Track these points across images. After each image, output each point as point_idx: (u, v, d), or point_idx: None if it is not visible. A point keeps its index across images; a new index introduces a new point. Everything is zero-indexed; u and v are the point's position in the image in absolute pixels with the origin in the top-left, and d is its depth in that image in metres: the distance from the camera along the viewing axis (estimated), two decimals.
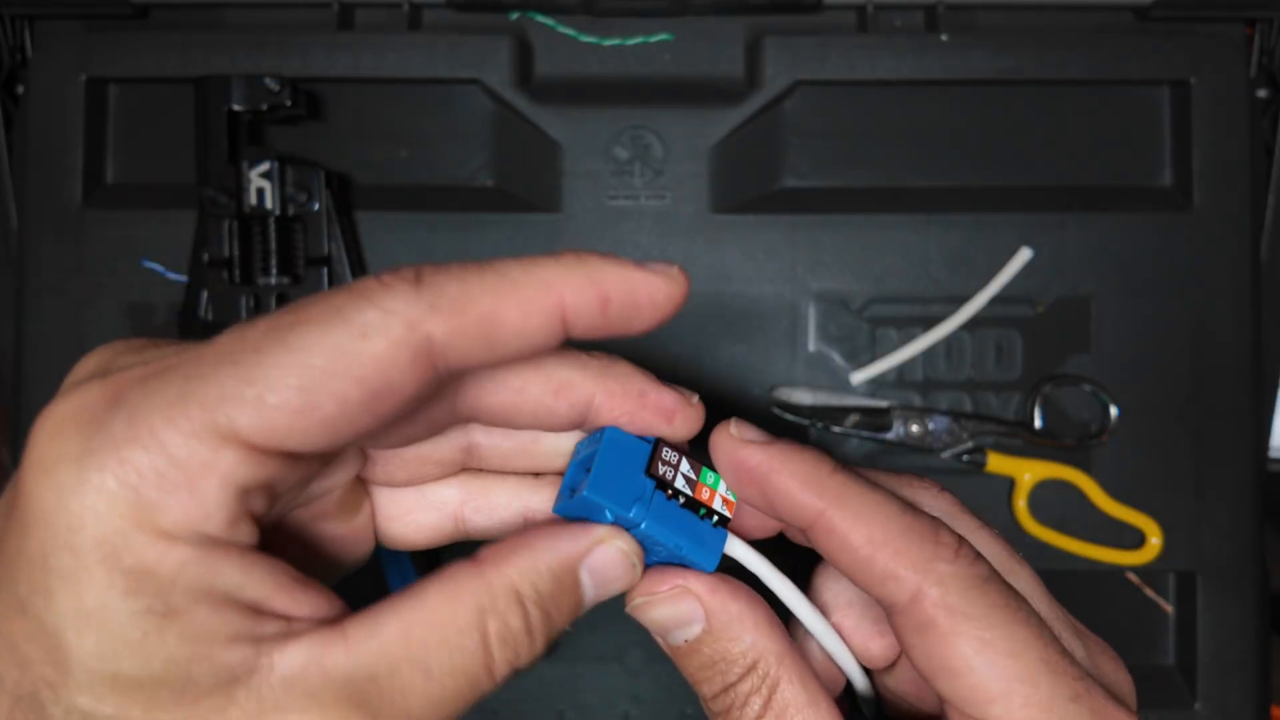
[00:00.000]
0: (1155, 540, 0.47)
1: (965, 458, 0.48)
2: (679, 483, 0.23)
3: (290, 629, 0.18)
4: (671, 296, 0.21)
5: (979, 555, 0.22)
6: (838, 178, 0.50)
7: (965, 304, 0.48)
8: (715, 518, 0.23)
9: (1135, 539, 0.48)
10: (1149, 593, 0.49)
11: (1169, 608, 0.49)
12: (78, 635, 0.17)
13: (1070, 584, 0.49)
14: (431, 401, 0.21)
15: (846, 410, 0.48)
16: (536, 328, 0.19)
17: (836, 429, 0.48)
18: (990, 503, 0.49)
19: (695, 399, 0.24)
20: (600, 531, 0.22)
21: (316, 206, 0.46)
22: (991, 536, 0.24)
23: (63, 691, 0.17)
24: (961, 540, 0.22)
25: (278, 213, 0.46)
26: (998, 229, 0.48)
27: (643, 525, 0.22)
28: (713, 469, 0.24)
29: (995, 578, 0.22)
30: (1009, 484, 0.48)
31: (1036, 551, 0.48)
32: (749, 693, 0.23)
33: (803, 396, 0.48)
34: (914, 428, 0.48)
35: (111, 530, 0.17)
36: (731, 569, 0.24)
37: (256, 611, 0.18)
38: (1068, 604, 0.49)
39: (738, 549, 0.24)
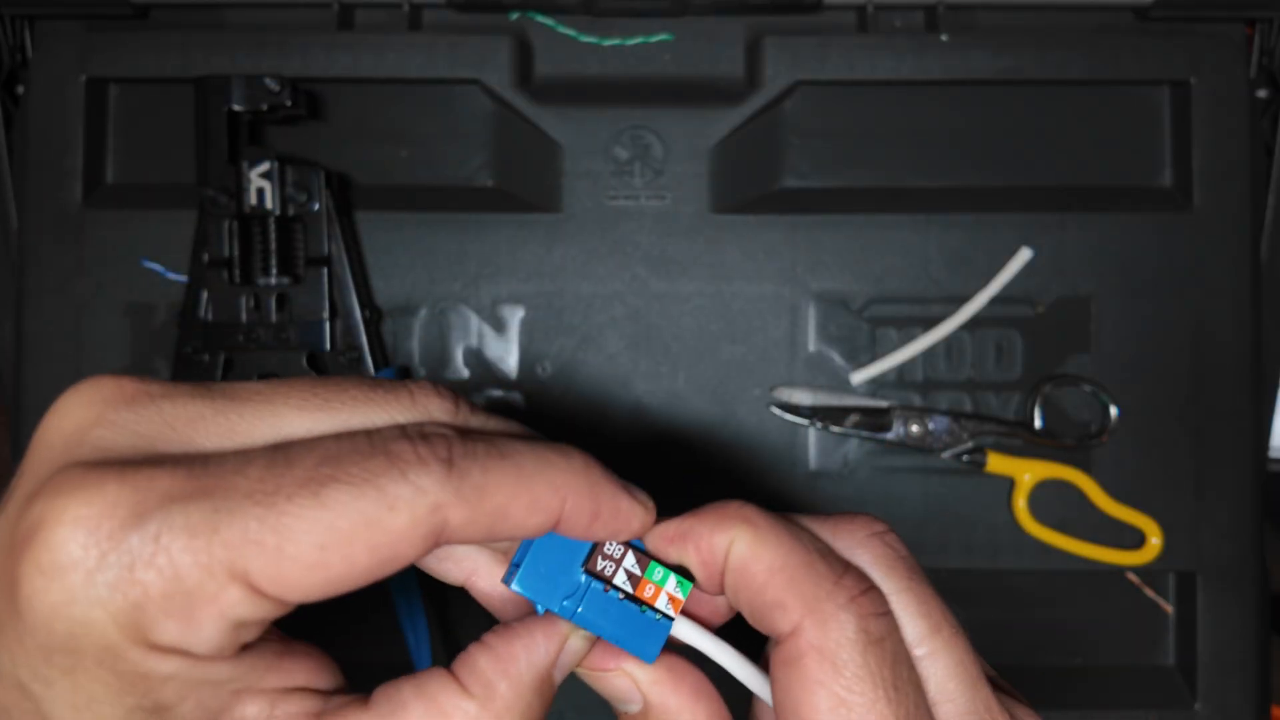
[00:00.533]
0: (1155, 540, 0.47)
1: (965, 458, 0.48)
2: (619, 579, 0.23)
3: (274, 710, 0.20)
4: (640, 530, 0.23)
5: (883, 612, 0.21)
6: (838, 178, 0.50)
7: (965, 304, 0.48)
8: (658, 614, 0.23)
9: (1135, 539, 0.48)
10: (1149, 593, 0.49)
11: (1169, 608, 0.49)
12: None
13: (1070, 584, 0.49)
14: None
15: (846, 410, 0.48)
16: (535, 524, 0.21)
17: (836, 429, 0.48)
18: (990, 503, 0.49)
19: (648, 506, 0.23)
20: (562, 628, 0.22)
21: (316, 206, 0.46)
22: (922, 598, 0.22)
23: None
24: (868, 589, 0.21)
25: (278, 213, 0.46)
26: (998, 229, 0.48)
27: (574, 617, 0.23)
28: (661, 564, 0.23)
29: (889, 641, 0.21)
30: (1009, 484, 0.48)
31: (1036, 551, 0.48)
32: None
33: (803, 396, 0.48)
34: (914, 428, 0.48)
35: (111, 641, 0.17)
36: (688, 649, 0.24)
37: (241, 693, 0.19)
38: (1067, 603, 0.49)
39: (685, 630, 0.24)
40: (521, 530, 0.21)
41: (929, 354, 0.49)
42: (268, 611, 0.18)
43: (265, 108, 0.46)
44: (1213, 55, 0.48)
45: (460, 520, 0.19)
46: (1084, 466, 0.48)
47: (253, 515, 0.18)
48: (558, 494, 0.21)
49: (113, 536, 0.17)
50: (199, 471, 0.18)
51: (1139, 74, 0.48)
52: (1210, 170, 0.48)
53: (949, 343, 0.49)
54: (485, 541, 0.21)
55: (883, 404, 0.48)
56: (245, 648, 0.19)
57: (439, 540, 0.19)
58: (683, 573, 0.23)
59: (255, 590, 0.18)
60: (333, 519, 0.18)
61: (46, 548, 0.17)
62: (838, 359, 0.49)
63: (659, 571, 0.23)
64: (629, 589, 0.23)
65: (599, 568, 0.23)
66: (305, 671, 0.21)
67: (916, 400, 0.49)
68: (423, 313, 0.49)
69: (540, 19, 0.49)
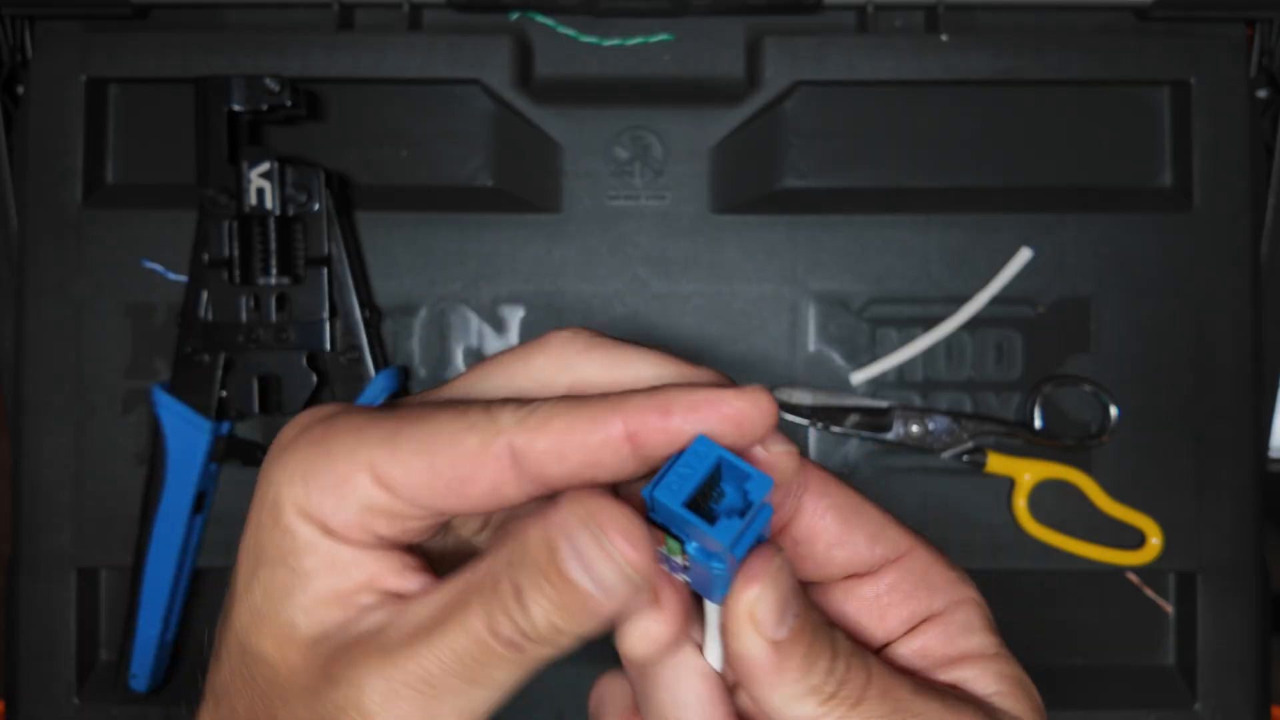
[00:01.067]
0: (1155, 540, 0.47)
1: (965, 458, 0.48)
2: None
3: (380, 604, 0.24)
4: (759, 422, 0.23)
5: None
6: (837, 178, 0.50)
7: (965, 304, 0.48)
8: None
9: (1135, 539, 0.48)
10: (1149, 593, 0.49)
11: (1169, 608, 0.49)
12: (244, 563, 0.24)
13: (1070, 584, 0.49)
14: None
15: (846, 410, 0.48)
16: (603, 451, 0.22)
17: (836, 429, 0.48)
18: (990, 503, 0.48)
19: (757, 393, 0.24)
20: (571, 502, 0.22)
21: (316, 207, 0.46)
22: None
23: (231, 606, 0.24)
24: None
25: (278, 213, 0.46)
26: (998, 229, 0.48)
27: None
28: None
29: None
30: (1009, 484, 0.48)
31: (1036, 552, 0.48)
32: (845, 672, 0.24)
33: (803, 397, 0.48)
34: (914, 428, 0.48)
35: (278, 498, 0.23)
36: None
37: (366, 587, 0.23)
38: (1068, 603, 0.49)
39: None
40: (595, 458, 0.22)
41: (929, 354, 0.49)
42: (389, 502, 0.23)
43: (265, 108, 0.46)
44: (1213, 55, 0.48)
45: (524, 443, 0.22)
46: (1084, 467, 0.48)
47: (387, 428, 0.23)
48: (620, 416, 0.22)
49: (308, 456, 0.23)
50: (366, 414, 0.24)
51: (1139, 74, 0.48)
52: (1210, 170, 0.48)
53: (949, 343, 0.49)
54: (567, 472, 0.22)
55: (883, 404, 0.48)
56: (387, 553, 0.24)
57: (514, 467, 0.22)
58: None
59: (379, 480, 0.23)
60: (429, 432, 0.23)
61: (281, 462, 0.24)
62: (838, 359, 0.49)
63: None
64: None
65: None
66: (428, 582, 0.24)
67: (916, 400, 0.49)
68: (423, 313, 0.49)
69: (540, 19, 0.49)
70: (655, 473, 0.22)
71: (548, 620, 0.22)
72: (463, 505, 0.23)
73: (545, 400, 0.23)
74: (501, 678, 0.22)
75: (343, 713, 0.23)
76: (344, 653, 0.23)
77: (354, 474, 0.23)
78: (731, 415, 0.22)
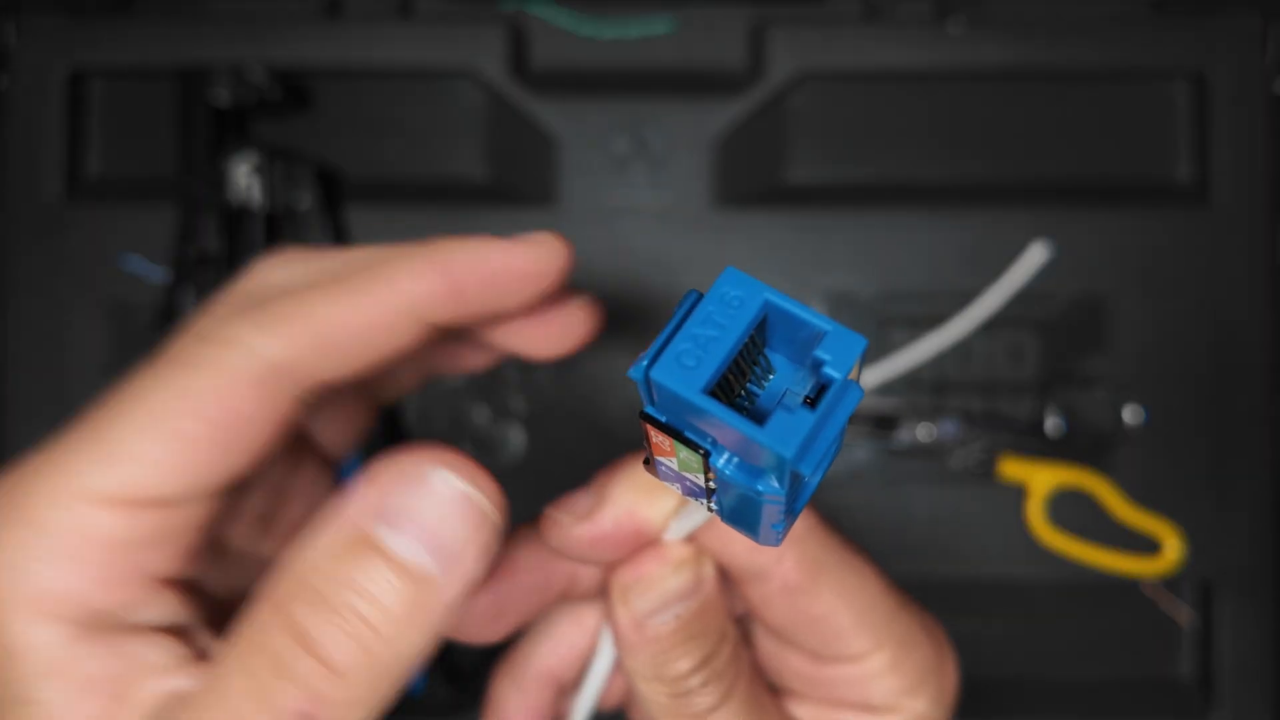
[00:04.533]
0: (1173, 547, 0.46)
1: (976, 462, 0.47)
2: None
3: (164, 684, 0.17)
4: (542, 264, 0.20)
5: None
6: (843, 172, 0.49)
7: (978, 304, 0.47)
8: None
9: (1152, 545, 0.47)
10: (1168, 601, 0.48)
11: (1189, 615, 0.48)
12: None
13: (1085, 593, 0.48)
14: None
15: (854, 412, 0.47)
16: (385, 329, 0.18)
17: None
18: (1002, 509, 0.47)
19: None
20: (370, 472, 0.16)
21: (305, 201, 0.45)
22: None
23: None
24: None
25: (265, 208, 0.44)
26: (1009, 225, 0.47)
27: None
28: None
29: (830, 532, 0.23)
30: (1021, 489, 0.47)
31: (1050, 559, 0.47)
32: (729, 659, 0.20)
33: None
34: (923, 430, 0.47)
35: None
36: None
37: (128, 699, 0.17)
38: (1083, 612, 0.48)
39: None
40: (378, 341, 0.18)
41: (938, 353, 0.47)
42: (154, 522, 0.17)
43: (252, 100, 0.45)
44: (1229, 47, 0.47)
45: (282, 353, 0.17)
46: (1099, 471, 0.47)
47: (83, 439, 0.18)
48: (393, 287, 0.18)
49: None
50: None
51: (1154, 65, 0.47)
52: (1228, 165, 0.47)
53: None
54: (351, 370, 0.18)
55: (891, 406, 0.47)
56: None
57: (286, 386, 0.17)
58: None
59: (118, 503, 0.17)
60: (145, 406, 0.18)
61: None
62: None
63: None
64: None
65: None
66: None
67: (926, 402, 0.47)
68: None
69: (535, 7, 0.48)
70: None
71: (361, 653, 0.15)
72: (242, 460, 0.17)
73: (261, 291, 0.18)
74: None
75: None
76: None
77: (74, 514, 0.17)
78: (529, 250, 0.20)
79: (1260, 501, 0.47)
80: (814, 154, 0.49)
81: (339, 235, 0.46)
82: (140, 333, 0.47)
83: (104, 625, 0.17)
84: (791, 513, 0.15)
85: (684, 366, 0.13)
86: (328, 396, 0.19)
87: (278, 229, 0.45)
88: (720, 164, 0.47)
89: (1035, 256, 0.47)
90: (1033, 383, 0.48)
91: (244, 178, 0.44)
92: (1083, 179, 0.48)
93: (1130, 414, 0.47)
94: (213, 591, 0.20)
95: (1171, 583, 0.48)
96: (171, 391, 0.17)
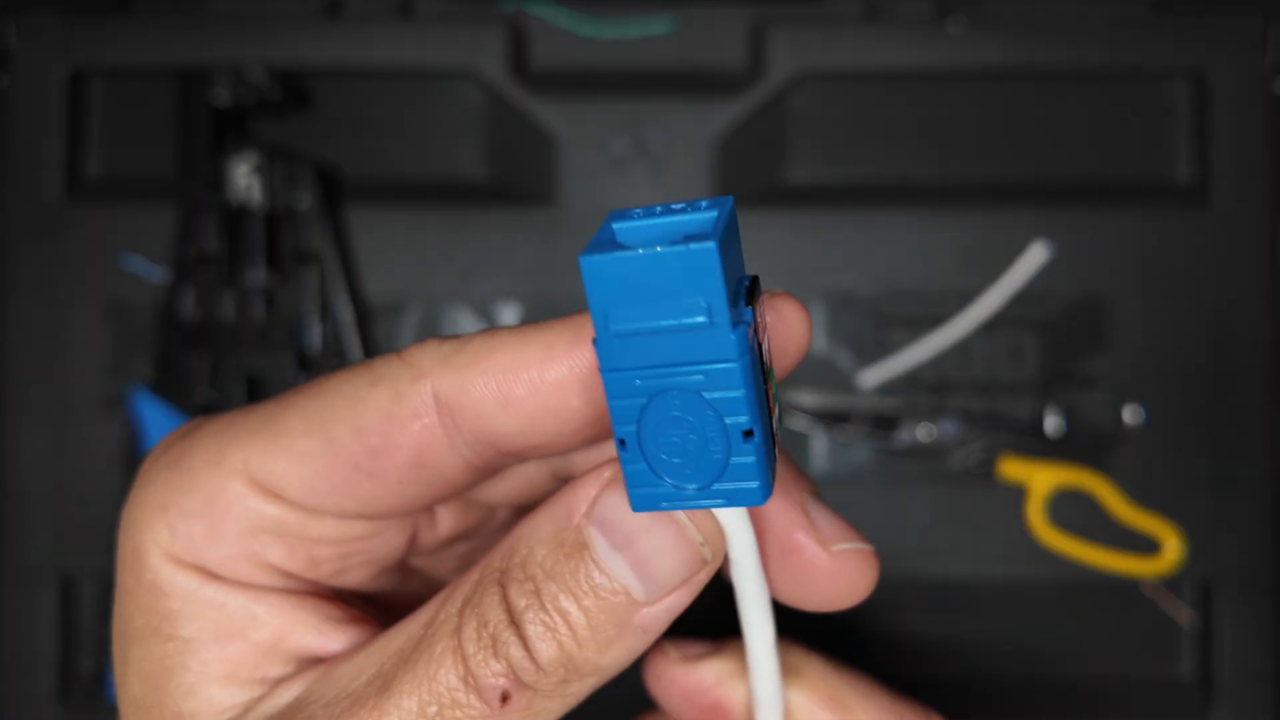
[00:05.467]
0: (1173, 547, 0.46)
1: (976, 462, 0.47)
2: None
3: (298, 672, 0.17)
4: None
5: None
6: (844, 172, 0.48)
7: (978, 304, 0.47)
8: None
9: (1152, 545, 0.47)
10: (1169, 601, 0.48)
11: (1190, 615, 0.48)
12: (115, 641, 0.18)
13: (1085, 593, 0.48)
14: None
15: (854, 413, 0.47)
16: (567, 391, 0.16)
17: (843, 432, 0.47)
18: (1002, 509, 0.47)
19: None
20: (607, 473, 0.16)
21: (305, 201, 0.45)
22: None
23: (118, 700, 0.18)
24: None
25: (265, 208, 0.44)
26: (1010, 225, 0.47)
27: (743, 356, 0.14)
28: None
29: None
30: (1022, 489, 0.47)
31: (1050, 559, 0.47)
32: None
33: (808, 398, 0.47)
34: (923, 430, 0.47)
35: (138, 545, 0.17)
36: None
37: (272, 651, 0.17)
38: (1083, 612, 0.48)
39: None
40: (546, 393, 0.16)
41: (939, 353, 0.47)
42: (282, 516, 0.17)
43: (252, 100, 0.45)
44: (1229, 47, 0.47)
45: (454, 387, 0.16)
46: (1100, 471, 0.47)
47: (258, 418, 0.17)
48: (580, 334, 0.16)
49: (159, 465, 0.18)
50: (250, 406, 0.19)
51: (1153, 65, 0.47)
52: (1228, 165, 0.47)
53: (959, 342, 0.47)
54: (512, 423, 0.16)
55: (891, 406, 0.47)
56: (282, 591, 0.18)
57: (455, 423, 0.16)
58: None
59: (259, 483, 0.17)
60: (320, 402, 0.17)
61: (133, 487, 0.19)
62: (845, 359, 0.47)
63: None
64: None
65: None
66: (364, 636, 0.18)
67: (926, 402, 0.47)
68: (414, 310, 0.48)
69: (536, 7, 0.48)
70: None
71: (561, 653, 0.15)
72: (381, 495, 0.17)
73: (479, 332, 0.17)
74: None
75: None
76: None
77: (224, 484, 0.17)
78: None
79: (1260, 501, 0.46)
80: (814, 154, 0.49)
81: (339, 235, 0.46)
82: (140, 333, 0.47)
83: (242, 576, 0.17)
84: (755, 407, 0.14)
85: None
86: (501, 464, 0.17)
87: (278, 229, 0.45)
88: (720, 164, 0.47)
89: (1035, 256, 0.47)
90: (1033, 383, 0.48)
91: (244, 178, 0.44)
92: (1083, 179, 0.48)
93: (1130, 414, 0.47)
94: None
95: (1171, 583, 0.48)
96: (345, 396, 0.17)
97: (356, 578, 0.19)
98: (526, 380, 0.16)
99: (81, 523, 0.47)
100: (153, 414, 0.44)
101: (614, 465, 0.16)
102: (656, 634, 0.16)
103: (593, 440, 0.17)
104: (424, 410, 0.16)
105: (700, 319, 0.14)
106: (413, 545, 0.20)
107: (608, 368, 0.14)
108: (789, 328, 0.16)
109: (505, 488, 0.20)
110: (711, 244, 0.14)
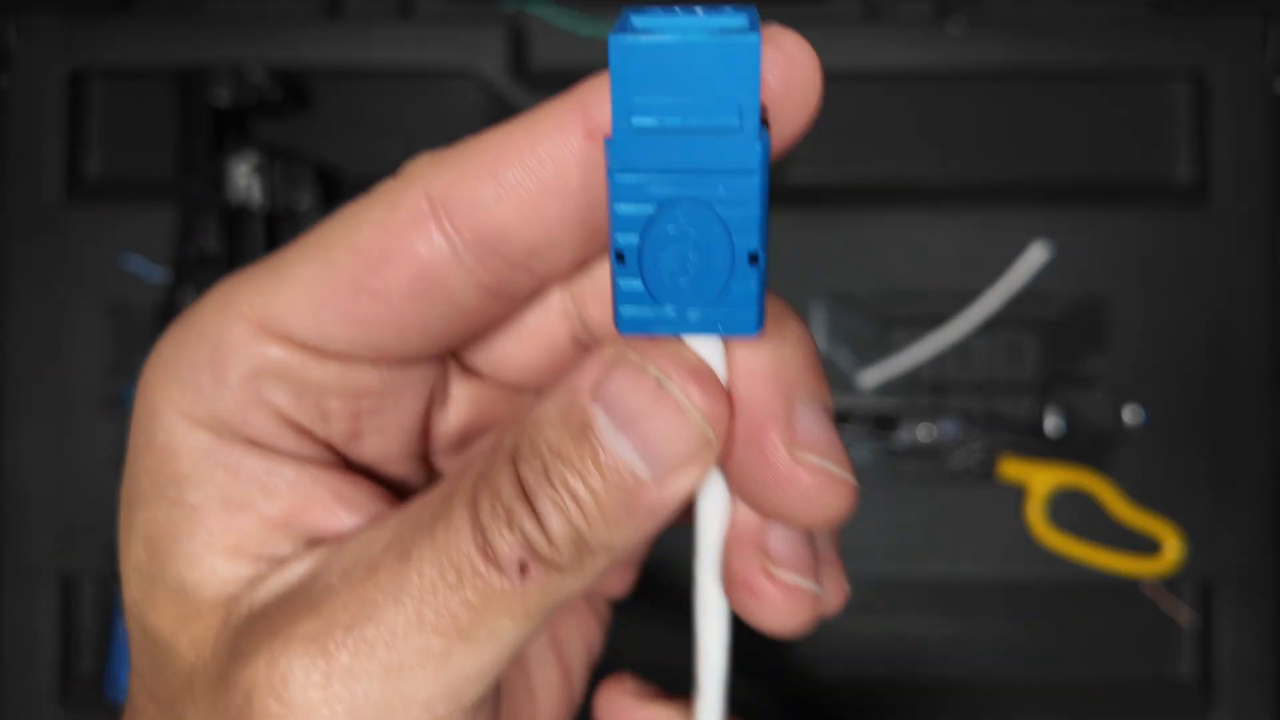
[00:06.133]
0: (1173, 547, 0.46)
1: (976, 462, 0.47)
2: None
3: (306, 551, 0.17)
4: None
5: None
6: (844, 172, 0.49)
7: (978, 304, 0.47)
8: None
9: (1152, 545, 0.47)
10: (1169, 601, 0.48)
11: (1189, 615, 0.48)
12: (122, 508, 0.17)
13: (1085, 592, 0.48)
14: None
15: (853, 413, 0.47)
16: (567, 165, 0.15)
17: (843, 432, 0.47)
18: (1002, 509, 0.47)
19: None
20: (609, 351, 0.15)
21: (305, 201, 0.45)
22: None
23: (120, 574, 0.18)
24: None
25: (265, 208, 0.44)
26: (1010, 225, 0.47)
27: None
28: None
29: None
30: (1022, 489, 0.47)
31: (1049, 560, 0.47)
32: None
33: None
34: (923, 430, 0.47)
35: (151, 405, 0.17)
36: None
37: (281, 527, 0.17)
38: (1081, 612, 0.48)
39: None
40: (544, 163, 0.15)
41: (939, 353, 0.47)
42: (288, 357, 0.17)
43: (252, 100, 0.45)
44: (1229, 47, 0.47)
45: (448, 184, 0.15)
46: (1099, 471, 0.47)
47: (269, 263, 0.17)
48: (572, 108, 0.15)
49: (176, 324, 0.18)
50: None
51: (1153, 65, 0.47)
52: (1228, 165, 0.47)
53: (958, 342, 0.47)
54: (532, 210, 0.15)
55: (891, 406, 0.47)
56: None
57: (455, 226, 0.15)
58: None
59: (263, 323, 0.16)
60: (319, 236, 0.16)
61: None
62: (845, 359, 0.47)
63: None
64: None
65: None
66: (372, 512, 0.18)
67: (926, 402, 0.47)
68: None
69: (535, 8, 0.48)
70: None
71: (570, 528, 0.15)
72: (387, 318, 0.16)
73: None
74: (503, 628, 0.15)
75: (256, 701, 0.15)
76: (259, 617, 0.16)
77: (229, 327, 0.16)
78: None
79: (1260, 501, 0.46)
80: (814, 154, 0.49)
81: None
82: (140, 333, 0.47)
83: (252, 429, 0.17)
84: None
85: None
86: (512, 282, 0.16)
87: (278, 229, 0.45)
88: None
89: (1035, 256, 0.47)
90: (1033, 383, 0.48)
91: (244, 178, 0.44)
92: (1082, 179, 0.48)
93: (1130, 414, 0.47)
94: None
95: (1171, 583, 0.47)
96: (345, 222, 0.16)
97: (373, 448, 0.18)
98: (518, 160, 0.15)
99: (81, 523, 0.46)
100: None
101: (616, 344, 0.15)
102: (664, 516, 0.15)
103: (591, 256, 0.16)
104: (418, 214, 0.16)
105: (733, 120, 0.13)
106: (429, 428, 0.19)
107: (620, 167, 0.14)
108: (790, 63, 0.15)
109: (524, 353, 0.19)
110: (755, 37, 0.13)
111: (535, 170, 0.15)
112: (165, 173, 0.47)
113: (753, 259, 0.14)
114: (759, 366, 0.16)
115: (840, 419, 0.47)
